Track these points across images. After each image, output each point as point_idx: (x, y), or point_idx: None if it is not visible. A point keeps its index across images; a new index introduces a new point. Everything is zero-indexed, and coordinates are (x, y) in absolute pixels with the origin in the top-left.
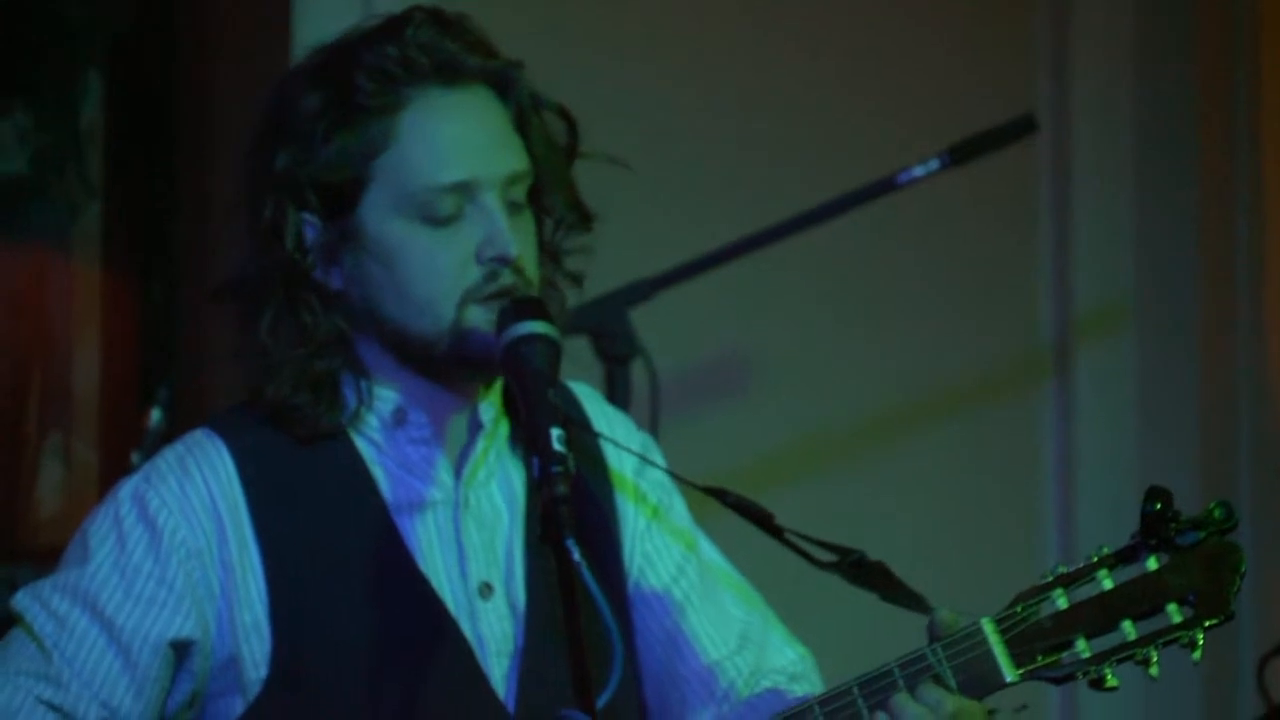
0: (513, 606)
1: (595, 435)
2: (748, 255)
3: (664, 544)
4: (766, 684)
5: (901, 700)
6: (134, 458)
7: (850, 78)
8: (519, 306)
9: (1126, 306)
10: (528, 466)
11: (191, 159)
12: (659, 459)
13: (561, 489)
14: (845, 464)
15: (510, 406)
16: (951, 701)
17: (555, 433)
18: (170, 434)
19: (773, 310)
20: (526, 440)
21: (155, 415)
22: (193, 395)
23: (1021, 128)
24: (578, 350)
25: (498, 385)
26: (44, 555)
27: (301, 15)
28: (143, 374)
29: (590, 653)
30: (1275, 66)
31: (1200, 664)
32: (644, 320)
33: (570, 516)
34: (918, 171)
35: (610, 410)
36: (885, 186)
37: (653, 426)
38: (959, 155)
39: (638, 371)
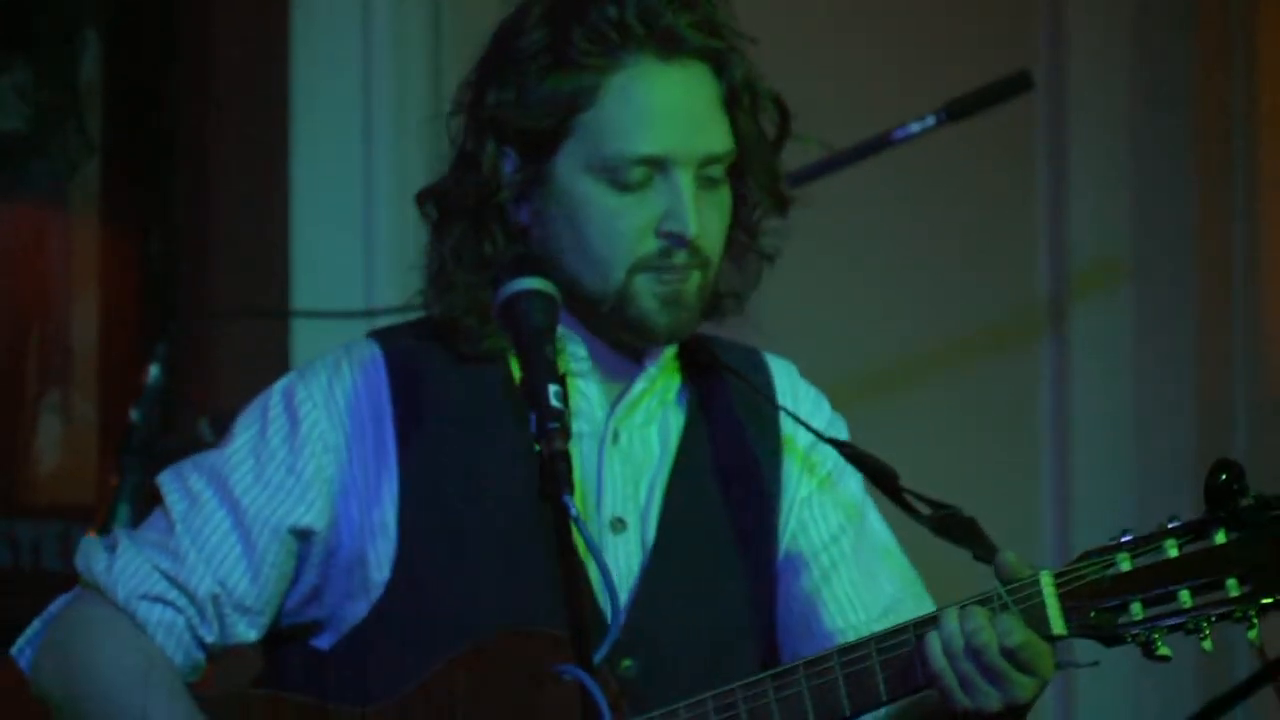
0: (643, 543)
1: (773, 404)
2: None
3: (823, 513)
4: None
5: (973, 610)
6: (133, 413)
7: (851, 35)
8: (516, 264)
9: (1122, 264)
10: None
11: (190, 116)
12: (843, 436)
13: (559, 444)
14: (846, 417)
15: (683, 363)
16: (1020, 634)
17: (552, 389)
18: (169, 389)
19: (770, 268)
20: (525, 397)
21: (154, 371)
22: (191, 351)
23: (1017, 85)
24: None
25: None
26: (43, 510)
27: None
28: (141, 330)
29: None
30: (1271, 24)
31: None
32: None
33: (567, 472)
34: (914, 128)
35: (803, 386)
36: (882, 143)
37: None
38: (955, 112)
39: None
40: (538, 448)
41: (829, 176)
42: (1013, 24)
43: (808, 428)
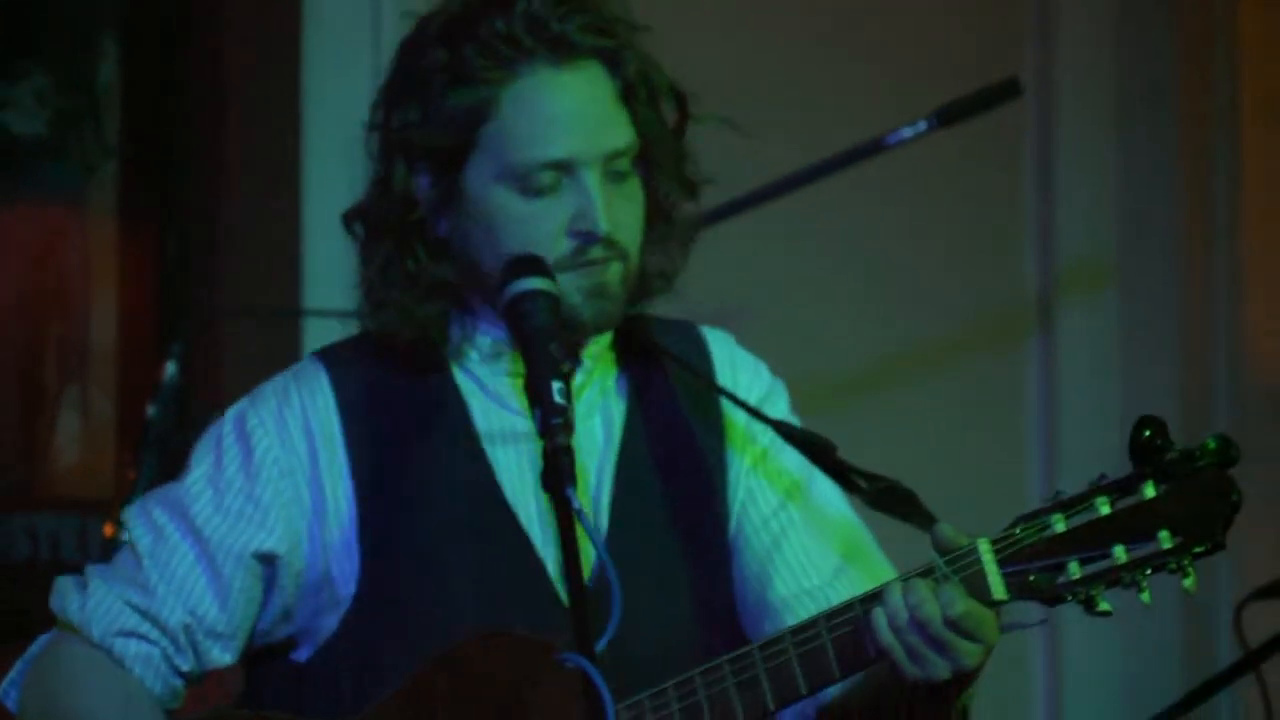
0: (597, 532)
1: (712, 385)
2: (742, 214)
3: (767, 483)
4: None
5: (916, 583)
6: (149, 409)
7: (843, 42)
8: (519, 264)
9: (1108, 264)
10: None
11: (204, 119)
12: (782, 402)
13: (562, 439)
14: (837, 415)
15: (619, 351)
16: (962, 603)
17: (555, 386)
18: (184, 386)
19: (770, 265)
20: (528, 393)
21: (170, 368)
22: (206, 349)
23: (1007, 91)
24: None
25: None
26: (62, 504)
27: None
28: (158, 328)
29: (648, 590)
30: (1252, 30)
31: (1182, 609)
32: None
33: (570, 466)
34: (906, 133)
35: (740, 356)
36: (875, 147)
37: None
38: (946, 117)
39: None
40: (542, 443)
41: (826, 180)
42: (1002, 32)
43: (745, 407)
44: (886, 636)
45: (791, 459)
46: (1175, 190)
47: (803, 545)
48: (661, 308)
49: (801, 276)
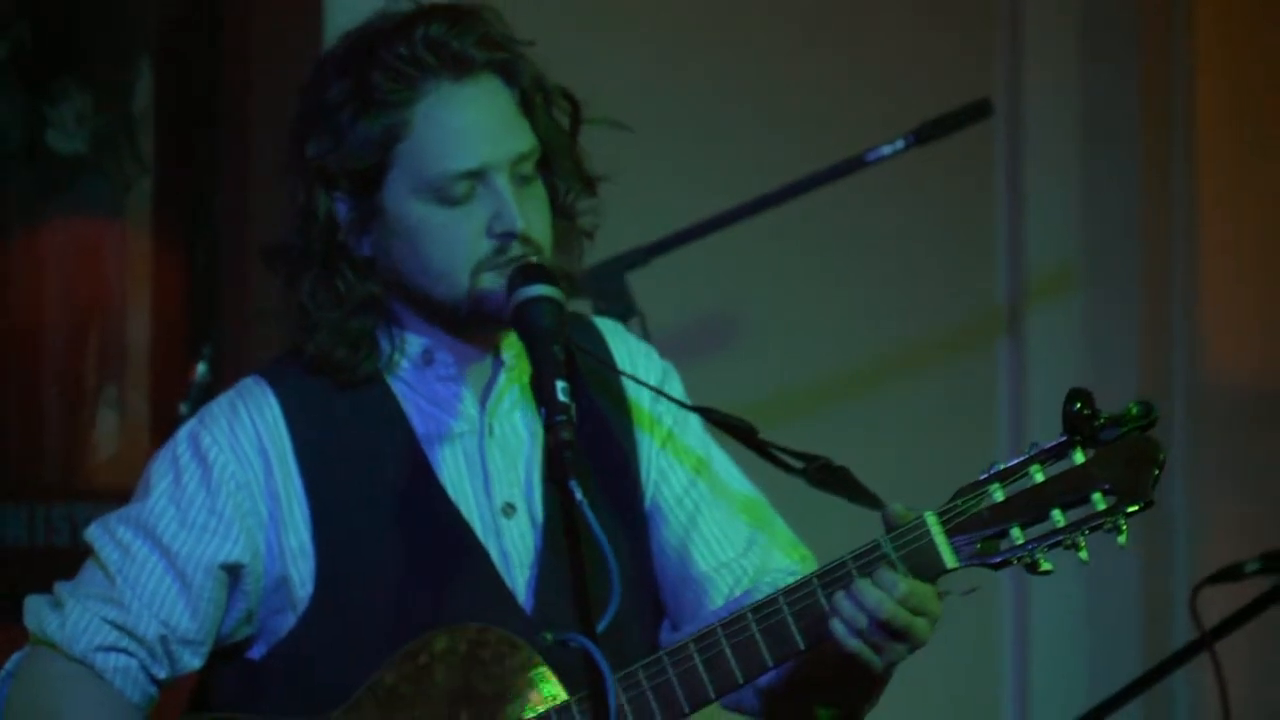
0: (534, 522)
1: (615, 370)
2: (733, 225)
3: (676, 462)
4: (770, 580)
5: (862, 585)
6: (181, 408)
7: (826, 65)
8: (526, 272)
9: (1074, 271)
10: (543, 407)
11: (233, 137)
12: (677, 383)
13: (565, 435)
14: (816, 415)
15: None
16: (904, 584)
17: (560, 385)
18: (214, 386)
19: (756, 275)
20: (535, 392)
21: (200, 369)
22: (234, 351)
23: (979, 111)
24: (580, 311)
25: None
26: (101, 494)
27: (333, 7)
28: (189, 332)
29: (595, 577)
30: (1209, 54)
31: (1141, 593)
32: (640, 283)
33: (573, 460)
34: (885, 151)
35: (633, 342)
36: (855, 164)
37: None
38: (922, 136)
39: (634, 330)
40: (547, 438)
41: (811, 194)
42: (973, 56)
43: (679, 403)
44: (852, 643)
45: (693, 437)
46: (1137, 201)
47: (716, 520)
48: (652, 315)
49: (787, 284)
